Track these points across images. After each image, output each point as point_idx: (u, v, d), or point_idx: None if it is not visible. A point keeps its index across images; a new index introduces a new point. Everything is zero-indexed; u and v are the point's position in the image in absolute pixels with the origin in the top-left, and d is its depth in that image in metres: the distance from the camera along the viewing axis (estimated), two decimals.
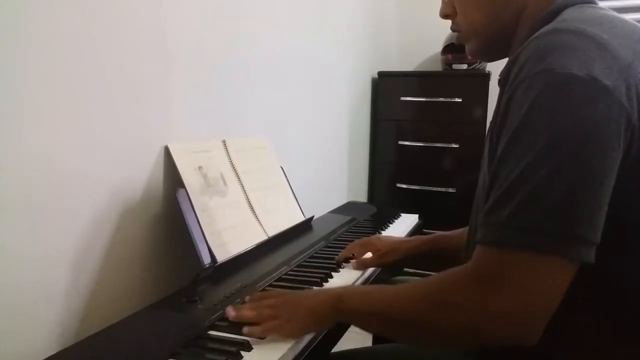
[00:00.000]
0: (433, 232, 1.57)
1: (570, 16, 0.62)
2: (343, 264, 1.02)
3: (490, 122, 0.69)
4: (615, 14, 0.65)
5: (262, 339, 0.69)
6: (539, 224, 0.53)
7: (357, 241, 1.09)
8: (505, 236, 0.55)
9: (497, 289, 0.55)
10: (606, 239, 0.54)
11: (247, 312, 0.73)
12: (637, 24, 0.63)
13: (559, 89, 0.54)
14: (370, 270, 1.02)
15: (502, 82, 0.67)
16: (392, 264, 1.05)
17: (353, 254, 1.05)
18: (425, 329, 0.62)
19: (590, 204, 0.53)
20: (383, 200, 2.36)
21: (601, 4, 0.67)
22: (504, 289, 0.54)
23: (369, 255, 1.05)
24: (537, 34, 0.60)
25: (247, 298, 0.78)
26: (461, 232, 1.06)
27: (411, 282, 0.66)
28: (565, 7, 0.65)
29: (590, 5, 0.66)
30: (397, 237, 1.13)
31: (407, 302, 0.63)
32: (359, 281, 0.96)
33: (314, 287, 0.88)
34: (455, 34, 0.81)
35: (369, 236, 1.24)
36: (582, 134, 0.53)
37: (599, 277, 0.56)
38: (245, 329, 0.69)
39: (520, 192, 0.54)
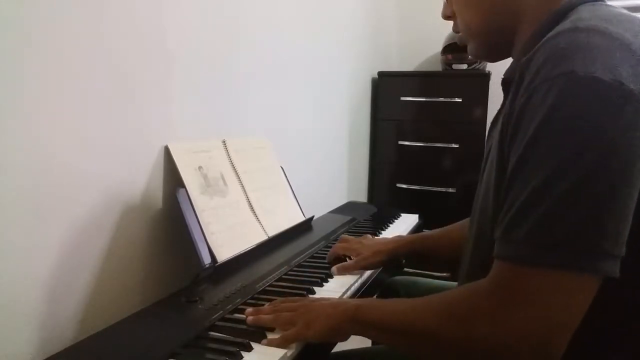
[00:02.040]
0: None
1: (588, 14, 0.58)
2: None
3: (493, 121, 0.66)
4: (629, 12, 0.61)
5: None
6: (563, 240, 0.51)
7: (341, 244, 1.07)
8: (529, 253, 0.52)
9: (520, 307, 0.53)
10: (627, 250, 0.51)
11: (265, 317, 0.73)
12: None
13: (583, 94, 0.50)
14: (369, 271, 1.02)
15: (509, 83, 0.63)
16: (375, 266, 1.03)
17: (344, 256, 1.04)
18: (443, 344, 0.60)
19: (617, 217, 0.50)
20: (383, 200, 2.36)
21: (609, 3, 0.65)
22: (527, 307, 0.52)
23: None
24: (553, 32, 0.56)
25: (266, 305, 0.78)
26: (444, 231, 1.05)
27: (428, 297, 0.64)
28: (576, 5, 0.62)
29: (602, 3, 0.62)
30: (381, 239, 1.13)
31: (425, 316, 0.61)
32: (358, 282, 0.96)
33: (315, 287, 0.88)
34: (457, 34, 0.80)
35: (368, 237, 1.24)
36: (608, 143, 0.50)
37: (618, 290, 0.54)
38: (265, 341, 0.69)
39: (542, 206, 0.51)
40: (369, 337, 0.72)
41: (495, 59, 0.78)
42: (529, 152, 0.54)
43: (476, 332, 0.55)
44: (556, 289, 0.52)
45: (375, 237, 1.18)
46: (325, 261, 1.04)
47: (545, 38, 0.57)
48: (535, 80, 0.54)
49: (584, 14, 0.59)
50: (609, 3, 0.64)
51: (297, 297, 0.81)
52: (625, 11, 0.61)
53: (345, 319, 0.69)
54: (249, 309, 0.76)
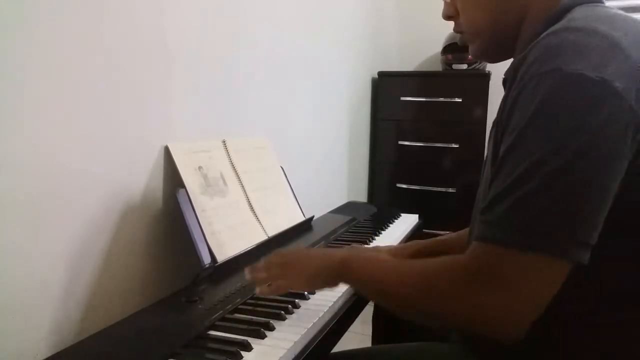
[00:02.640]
0: (433, 232, 1.57)
1: (581, 15, 0.61)
2: None
3: (494, 122, 0.68)
4: (625, 14, 0.63)
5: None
6: (538, 224, 0.53)
7: None
8: (502, 234, 0.55)
9: (490, 285, 0.55)
10: (600, 241, 0.54)
11: (259, 273, 0.78)
12: None
13: (568, 90, 0.53)
14: None
15: (507, 81, 0.65)
16: None
17: None
18: (420, 313, 0.64)
19: (591, 206, 0.53)
20: (383, 200, 2.36)
21: (607, 4, 0.66)
22: (497, 286, 0.55)
23: None
24: (547, 32, 0.59)
25: (261, 260, 0.83)
26: (457, 235, 1.06)
27: (410, 265, 0.68)
28: (574, 5, 0.64)
29: (599, 4, 0.65)
30: (393, 246, 1.13)
31: (403, 280, 0.65)
32: None
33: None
34: (457, 34, 0.79)
35: (369, 237, 1.24)
36: (588, 137, 0.52)
37: (589, 276, 0.56)
38: (257, 290, 0.76)
39: (520, 191, 0.54)
40: (353, 288, 0.79)
41: (496, 59, 0.79)
42: (517, 143, 0.56)
43: (450, 307, 0.59)
44: (526, 271, 0.54)
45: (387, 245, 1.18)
46: None
47: (539, 37, 0.59)
48: (526, 76, 0.57)
49: (577, 15, 0.61)
50: (606, 4, 0.66)
51: (288, 250, 0.86)
52: (619, 11, 0.63)
53: (332, 272, 0.73)
54: (247, 268, 0.80)
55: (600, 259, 0.54)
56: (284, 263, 0.78)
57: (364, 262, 0.72)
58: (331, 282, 0.75)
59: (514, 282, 0.54)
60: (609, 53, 0.54)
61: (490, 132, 0.75)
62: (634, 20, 0.60)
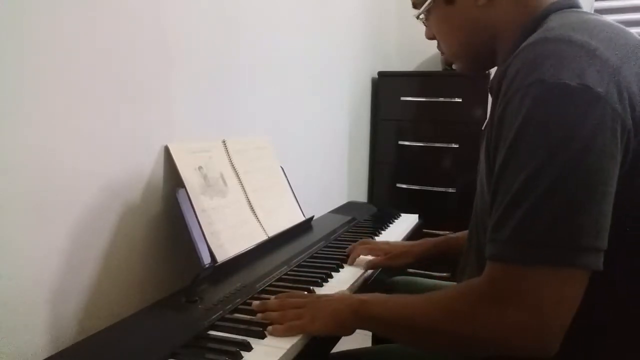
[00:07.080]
0: (433, 232, 1.57)
1: (557, 23, 0.62)
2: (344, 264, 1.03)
3: (486, 132, 0.68)
4: (600, 17, 0.65)
5: None
6: (544, 237, 0.53)
7: (364, 245, 1.08)
8: (512, 252, 0.55)
9: (512, 304, 0.55)
10: (609, 244, 0.54)
11: (273, 315, 0.74)
12: (620, 25, 0.63)
13: (553, 100, 0.54)
14: (369, 272, 1.02)
15: (493, 91, 0.67)
16: (401, 267, 1.05)
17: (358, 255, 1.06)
18: (444, 338, 0.62)
19: (594, 211, 0.53)
20: (383, 200, 2.35)
21: (602, 5, 0.67)
22: (519, 304, 0.55)
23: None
24: (525, 43, 0.60)
25: (273, 298, 0.79)
26: (464, 234, 1.07)
27: (429, 293, 0.66)
28: (549, 13, 0.66)
29: (573, 10, 0.66)
30: (405, 242, 1.14)
31: (427, 311, 0.63)
32: (359, 281, 0.96)
33: (314, 287, 0.88)
34: (442, 54, 0.83)
35: (369, 237, 1.24)
36: (579, 143, 0.53)
37: (604, 282, 0.56)
38: (269, 328, 0.71)
39: (522, 206, 0.54)
40: (372, 331, 0.74)
41: (482, 71, 0.83)
42: (509, 158, 0.57)
43: (475, 328, 0.58)
44: (543, 285, 0.54)
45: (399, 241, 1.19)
46: (333, 261, 1.03)
47: (519, 49, 0.61)
48: (510, 89, 0.58)
49: (553, 23, 0.63)
50: (581, 9, 0.67)
51: (303, 293, 0.82)
52: (594, 17, 0.64)
53: (350, 313, 0.70)
54: (256, 302, 0.78)
55: (610, 263, 0.54)
56: (299, 304, 0.75)
57: (383, 299, 0.71)
58: (348, 325, 0.71)
59: (534, 296, 0.54)
60: (586, 60, 0.55)
61: (481, 144, 0.75)
62: (607, 24, 0.61)
